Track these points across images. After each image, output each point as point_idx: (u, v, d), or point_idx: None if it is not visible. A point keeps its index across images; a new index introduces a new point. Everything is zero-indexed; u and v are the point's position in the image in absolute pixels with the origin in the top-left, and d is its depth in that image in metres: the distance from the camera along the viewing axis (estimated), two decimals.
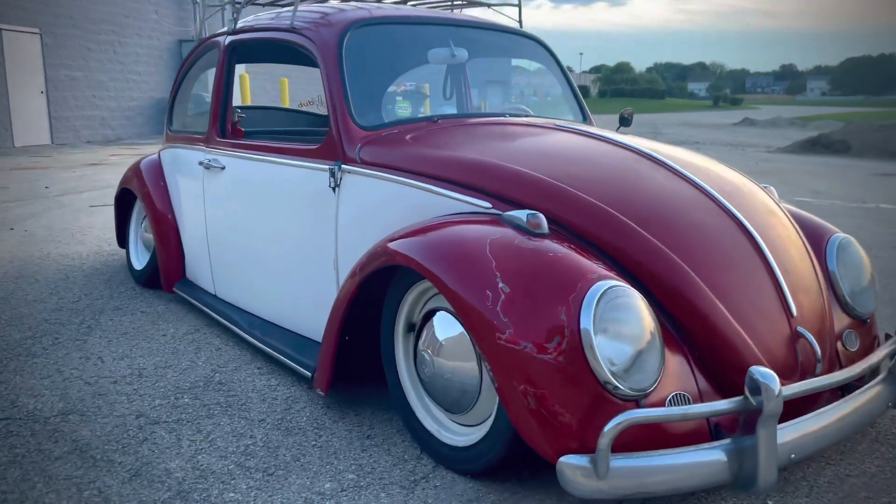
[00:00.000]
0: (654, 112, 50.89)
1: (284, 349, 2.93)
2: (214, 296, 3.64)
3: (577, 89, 3.52)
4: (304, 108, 8.13)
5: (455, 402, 2.18)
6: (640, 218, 2.14)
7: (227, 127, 3.48)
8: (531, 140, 2.73)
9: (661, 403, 1.87)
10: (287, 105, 21.24)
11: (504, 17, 3.70)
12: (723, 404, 1.81)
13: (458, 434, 2.21)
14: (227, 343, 3.33)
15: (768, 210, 2.41)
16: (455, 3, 3.70)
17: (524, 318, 1.86)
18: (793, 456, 1.89)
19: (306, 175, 2.84)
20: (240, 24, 3.44)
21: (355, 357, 2.51)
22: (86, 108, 16.89)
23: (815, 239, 2.51)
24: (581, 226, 2.14)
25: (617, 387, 1.80)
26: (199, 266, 3.75)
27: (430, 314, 2.26)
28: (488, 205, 2.27)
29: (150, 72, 19.07)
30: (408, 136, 2.70)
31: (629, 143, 2.60)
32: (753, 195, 2.45)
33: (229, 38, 3.45)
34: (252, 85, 17.69)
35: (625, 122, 3.56)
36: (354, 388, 2.75)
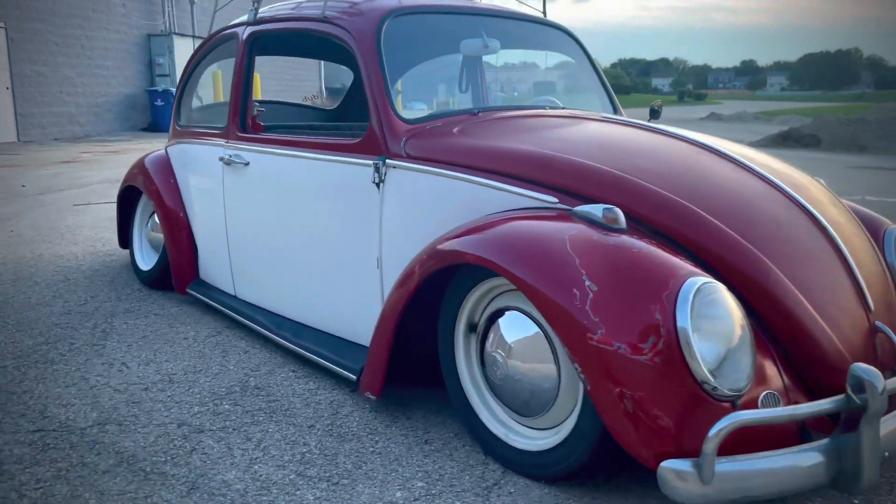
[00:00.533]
0: (622, 107, 51.22)
1: (322, 351, 2.82)
2: (234, 296, 3.50)
3: (607, 81, 3.45)
4: (307, 103, 7.95)
5: (528, 406, 2.10)
6: (716, 211, 2.09)
7: (248, 121, 3.34)
8: (584, 132, 2.66)
9: (753, 403, 1.82)
10: (221, 98, 20.94)
11: (527, 7, 3.63)
12: (825, 403, 1.76)
13: (529, 438, 2.13)
14: (254, 345, 3.21)
15: (832, 202, 2.37)
16: None
17: (616, 318, 1.78)
18: (886, 454, 1.85)
19: (346, 170, 2.73)
20: (260, 14, 3.30)
21: (402, 358, 2.42)
22: (53, 104, 16.41)
23: (872, 231, 2.48)
24: (657, 220, 2.07)
25: (715, 387, 1.74)
26: (216, 266, 3.61)
27: (495, 314, 2.18)
28: (555, 199, 2.20)
29: (118, 66, 18.61)
30: (454, 130, 2.61)
31: (684, 134, 2.55)
32: (815, 187, 2.41)
33: (250, 30, 3.32)
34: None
35: (655, 114, 3.51)
36: (399, 389, 2.66)
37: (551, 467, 2.03)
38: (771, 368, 1.91)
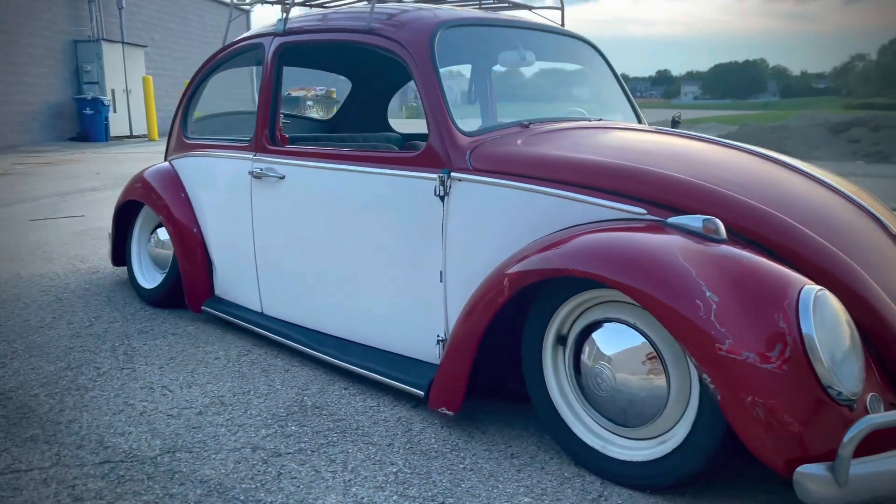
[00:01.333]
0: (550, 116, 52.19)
1: (378, 367, 2.78)
2: (261, 313, 3.40)
3: (630, 93, 3.53)
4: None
5: (628, 416, 2.12)
6: (801, 220, 2.16)
7: (277, 134, 3.26)
8: (647, 143, 2.70)
9: (863, 406, 1.89)
10: (152, 106, 20.29)
11: (543, 19, 3.67)
12: None
13: (630, 449, 2.14)
14: (292, 363, 3.12)
15: (885, 207, 2.49)
16: (499, 4, 3.62)
17: (741, 328, 1.83)
18: None
19: (405, 183, 2.69)
20: (290, 25, 3.23)
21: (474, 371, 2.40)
22: None
23: None
24: (749, 229, 2.13)
25: (840, 392, 1.80)
26: (239, 282, 3.50)
27: (589, 326, 2.19)
28: (643, 210, 2.23)
29: (43, 74, 17.80)
30: (518, 142, 2.62)
31: (741, 145, 2.63)
32: (867, 194, 2.53)
33: (279, 40, 3.23)
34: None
35: (675, 125, 3.61)
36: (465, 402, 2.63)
37: (662, 477, 2.06)
38: (870, 372, 1.99)
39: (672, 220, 2.13)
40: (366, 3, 3.35)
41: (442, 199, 2.59)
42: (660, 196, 2.23)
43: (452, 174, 2.57)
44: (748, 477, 2.15)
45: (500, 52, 3.19)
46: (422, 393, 2.58)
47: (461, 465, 2.27)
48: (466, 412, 2.60)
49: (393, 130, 4.58)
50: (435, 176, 2.59)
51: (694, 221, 2.08)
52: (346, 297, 2.97)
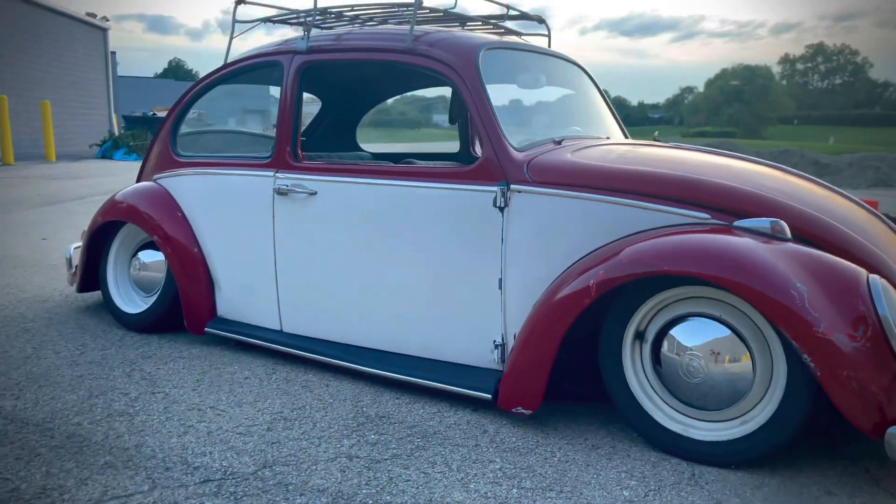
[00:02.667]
0: (414, 141, 53.16)
1: (433, 376, 2.86)
2: (280, 331, 3.37)
3: (616, 113, 3.83)
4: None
5: (718, 402, 2.34)
6: (843, 223, 2.50)
7: (298, 151, 3.28)
8: (687, 158, 2.95)
9: None
10: (50, 128, 19.03)
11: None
12: None
13: (713, 430, 2.37)
14: (327, 379, 3.12)
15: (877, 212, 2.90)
16: (495, 30, 3.81)
17: (830, 312, 2.11)
18: None
19: (460, 197, 2.81)
20: (311, 44, 3.27)
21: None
22: None
23: None
24: (802, 230, 2.42)
25: None
26: (253, 301, 3.44)
27: (669, 322, 2.42)
28: (707, 216, 2.49)
29: None
30: (569, 156, 2.81)
31: (755, 158, 2.97)
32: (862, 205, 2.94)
33: (301, 58, 3.26)
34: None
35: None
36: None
37: (744, 453, 2.30)
38: None
39: (739, 223, 2.40)
40: (382, 25, 3.44)
41: (501, 209, 2.73)
42: (720, 203, 2.50)
43: (512, 186, 2.72)
44: (813, 444, 2.43)
45: (518, 74, 3.37)
46: (489, 396, 2.70)
47: (555, 458, 2.40)
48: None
49: (362, 150, 4.65)
50: (494, 188, 2.74)
51: (762, 224, 2.36)
52: (388, 310, 3.02)
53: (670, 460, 2.39)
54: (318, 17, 3.38)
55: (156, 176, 3.87)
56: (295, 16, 3.54)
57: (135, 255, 3.94)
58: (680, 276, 2.28)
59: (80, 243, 4.39)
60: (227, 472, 2.27)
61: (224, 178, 3.49)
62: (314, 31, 3.40)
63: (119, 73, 34.29)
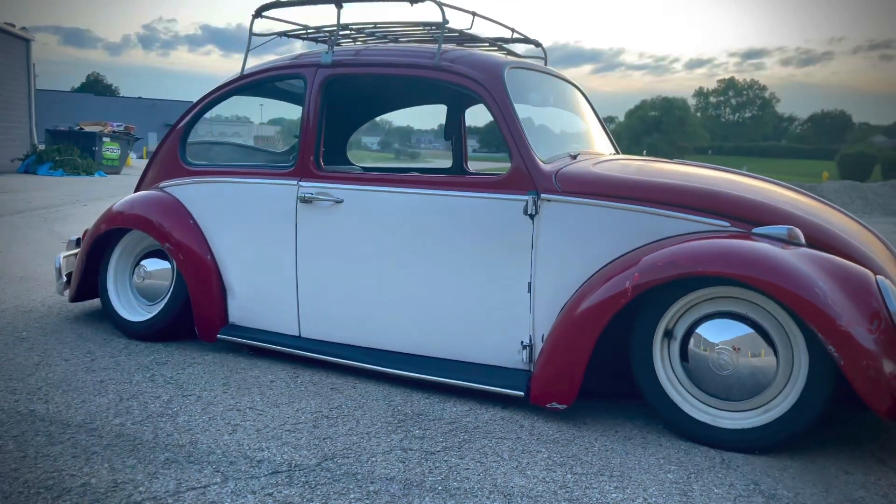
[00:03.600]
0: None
1: (463, 376, 3.00)
2: (299, 336, 3.44)
3: (610, 133, 4.08)
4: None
5: (742, 393, 2.56)
6: (841, 231, 2.79)
7: (321, 160, 3.38)
8: (698, 172, 3.20)
9: None
10: None
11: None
12: None
13: (738, 419, 2.59)
14: (352, 381, 3.20)
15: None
16: (499, 51, 3.99)
17: (849, 308, 2.36)
18: None
19: (492, 205, 2.98)
20: (335, 58, 3.39)
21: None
22: None
23: None
24: (814, 237, 2.68)
25: None
26: (270, 307, 3.49)
27: (697, 321, 2.64)
28: (727, 224, 2.73)
29: None
30: (594, 169, 3.02)
31: (752, 174, 3.26)
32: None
33: (326, 72, 3.37)
34: None
35: None
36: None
37: (769, 439, 2.52)
38: None
39: (758, 230, 2.65)
40: (395, 43, 3.59)
41: (532, 217, 2.91)
42: (738, 212, 2.75)
43: (542, 195, 2.90)
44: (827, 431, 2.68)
45: (531, 92, 3.57)
46: (521, 393, 2.85)
47: (595, 448, 2.57)
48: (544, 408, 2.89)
49: (352, 163, 4.76)
50: (525, 197, 2.91)
51: (780, 231, 2.61)
52: (416, 314, 3.14)
53: (699, 448, 2.60)
54: (341, 34, 3.50)
55: (163, 184, 3.88)
56: (308, 31, 3.65)
57: (137, 263, 3.93)
58: (712, 276, 2.51)
59: (67, 252, 4.33)
60: (292, 465, 2.35)
61: (242, 187, 3.55)
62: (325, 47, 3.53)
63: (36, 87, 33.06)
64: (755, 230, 2.67)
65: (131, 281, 3.96)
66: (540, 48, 4.10)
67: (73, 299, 4.11)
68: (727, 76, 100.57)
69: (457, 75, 3.14)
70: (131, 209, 3.83)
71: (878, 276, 2.48)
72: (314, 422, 2.73)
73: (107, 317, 4.00)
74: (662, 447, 2.60)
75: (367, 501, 2.13)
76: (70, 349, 3.58)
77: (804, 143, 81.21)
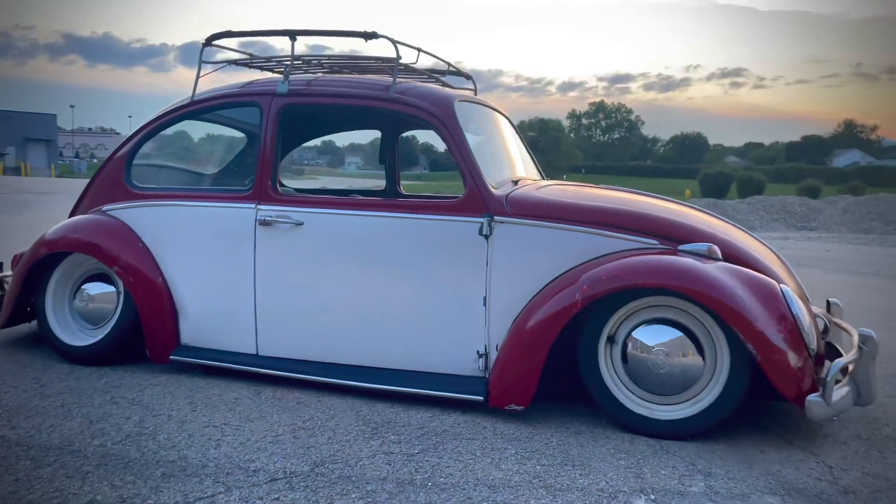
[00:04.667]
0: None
1: (422, 385, 3.24)
2: (257, 355, 3.56)
3: (535, 157, 4.46)
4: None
5: (674, 388, 2.96)
6: (746, 246, 3.27)
7: (278, 185, 3.55)
8: (626, 196, 3.60)
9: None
10: None
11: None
12: (855, 354, 3.01)
13: (672, 411, 2.98)
14: (314, 396, 3.35)
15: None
16: (436, 83, 4.26)
17: (762, 313, 2.81)
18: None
19: (448, 226, 3.25)
20: (290, 87, 3.57)
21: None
22: None
23: None
24: (727, 252, 3.13)
25: (812, 349, 2.87)
26: (227, 327, 3.59)
27: (633, 327, 3.02)
28: (656, 242, 3.14)
29: None
30: (538, 193, 3.36)
31: (668, 198, 3.72)
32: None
33: (282, 101, 3.54)
34: None
35: None
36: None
37: (698, 426, 2.92)
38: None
39: (683, 247, 3.07)
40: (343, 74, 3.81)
41: (486, 237, 3.21)
42: (665, 232, 3.16)
43: (495, 218, 3.21)
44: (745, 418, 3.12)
45: (472, 122, 3.86)
46: (481, 398, 3.13)
47: (553, 442, 2.89)
48: (502, 410, 3.19)
49: (283, 185, 4.90)
50: (480, 219, 3.21)
51: (701, 248, 3.04)
52: (377, 329, 3.36)
53: (641, 438, 2.97)
54: (296, 64, 3.68)
55: (106, 208, 3.89)
56: (260, 61, 3.81)
57: (78, 288, 3.91)
58: (650, 288, 2.89)
59: None
60: (287, 472, 2.51)
61: (196, 210, 3.64)
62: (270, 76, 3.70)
63: None
64: (681, 247, 3.09)
65: (71, 305, 3.93)
66: (470, 80, 4.43)
67: (7, 325, 4.02)
68: (597, 99, 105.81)
69: (411, 107, 3.40)
70: (74, 233, 3.82)
71: (781, 285, 2.95)
72: (292, 433, 2.89)
73: (43, 342, 3.95)
74: (610, 439, 2.95)
75: (369, 500, 2.33)
76: (13, 376, 3.53)
77: (667, 162, 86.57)
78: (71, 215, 4.08)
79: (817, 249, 12.23)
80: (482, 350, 3.24)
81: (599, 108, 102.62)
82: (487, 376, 3.21)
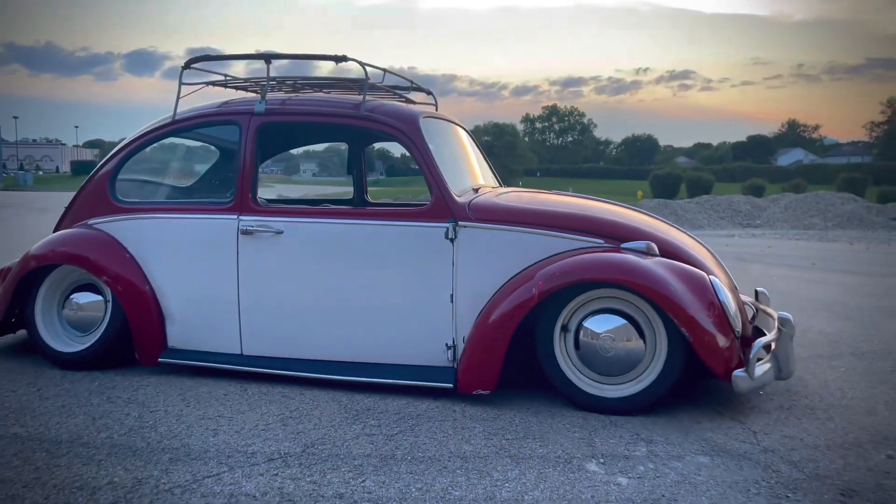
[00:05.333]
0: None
1: (397, 375, 3.58)
2: (241, 355, 3.86)
3: (492, 165, 4.84)
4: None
5: (620, 370, 3.35)
6: (679, 242, 3.69)
7: (258, 197, 3.86)
8: (575, 201, 4.00)
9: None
10: None
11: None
12: (772, 335, 3.44)
13: (618, 390, 3.37)
14: (297, 390, 3.66)
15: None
16: (399, 99, 4.60)
17: (694, 300, 3.22)
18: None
19: (417, 231, 3.60)
20: (267, 107, 3.88)
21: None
22: None
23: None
24: (663, 249, 3.54)
25: (737, 331, 3.30)
26: (212, 330, 3.88)
27: (584, 317, 3.41)
28: (602, 241, 3.54)
29: None
30: (497, 200, 3.73)
31: (611, 201, 4.13)
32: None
33: (260, 119, 3.85)
34: None
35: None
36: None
37: (641, 402, 3.32)
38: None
39: (625, 245, 3.48)
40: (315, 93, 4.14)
41: (452, 241, 3.57)
42: (609, 232, 3.56)
43: (459, 223, 3.57)
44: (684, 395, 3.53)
45: (435, 137, 4.22)
46: (451, 385, 3.48)
47: (516, 421, 3.25)
48: (470, 395, 3.55)
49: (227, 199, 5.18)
50: (445, 225, 3.57)
51: (641, 245, 3.45)
52: (353, 327, 3.69)
53: (592, 415, 3.35)
54: (272, 84, 3.99)
55: (91, 222, 4.14)
56: (238, 81, 4.11)
57: (66, 297, 4.15)
58: (597, 282, 3.28)
59: None
60: (282, 453, 2.83)
61: (179, 221, 3.92)
62: (250, 95, 4.01)
63: None
64: (623, 245, 3.48)
65: (59, 314, 4.16)
66: (431, 95, 4.78)
67: (3, 332, 4.24)
68: (550, 103, 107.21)
69: (381, 124, 3.75)
70: (62, 246, 4.07)
71: (710, 276, 3.37)
72: (282, 422, 3.20)
73: (31, 350, 4.17)
74: (566, 416, 3.32)
75: (358, 472, 2.66)
76: (10, 381, 3.77)
77: (619, 164, 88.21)
78: (55, 230, 4.32)
79: (760, 245, 12.90)
80: (450, 342, 3.59)
81: (552, 111, 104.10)
82: (455, 366, 3.56)
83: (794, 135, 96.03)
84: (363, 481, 2.59)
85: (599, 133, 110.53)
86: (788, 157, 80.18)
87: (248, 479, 2.59)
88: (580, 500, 2.48)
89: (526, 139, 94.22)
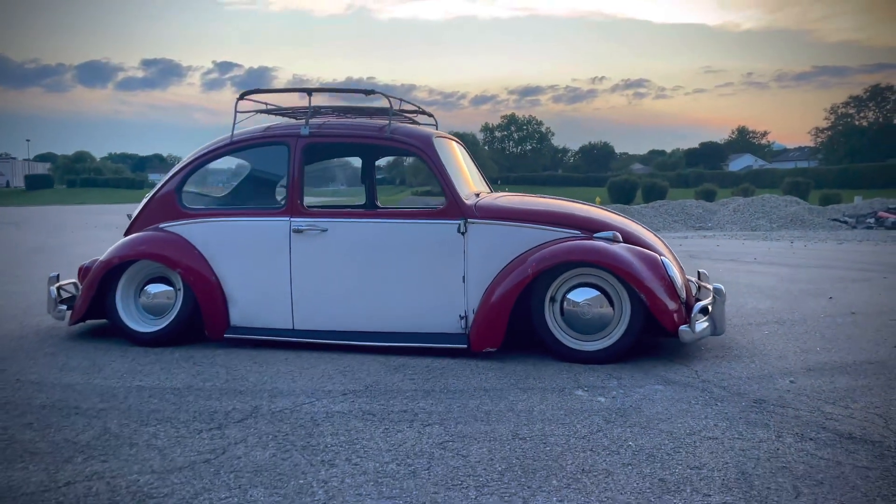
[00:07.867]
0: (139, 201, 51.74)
1: (427, 341, 4.58)
2: (293, 329, 4.82)
3: (483, 173, 5.87)
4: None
5: (595, 329, 4.41)
6: (635, 231, 4.78)
7: (304, 202, 4.83)
8: (557, 201, 5.06)
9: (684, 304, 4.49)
10: None
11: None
12: (709, 300, 4.54)
13: (593, 345, 4.42)
14: (340, 355, 4.64)
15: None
16: (407, 121, 5.62)
17: (650, 274, 4.30)
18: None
19: (436, 227, 4.62)
20: (311, 130, 4.86)
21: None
22: None
23: None
24: (625, 236, 4.62)
25: (683, 298, 4.39)
26: (268, 311, 4.83)
27: (568, 290, 4.46)
28: (578, 232, 4.60)
29: None
30: (496, 202, 4.77)
31: (582, 201, 5.20)
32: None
33: (305, 140, 4.83)
34: None
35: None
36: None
37: (612, 354, 4.38)
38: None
39: (597, 235, 4.55)
40: (364, 118, 5.14)
41: (462, 234, 4.59)
42: (584, 225, 4.63)
43: (468, 221, 4.60)
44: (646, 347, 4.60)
45: (441, 152, 5.23)
46: (465, 346, 4.50)
47: (519, 368, 4.28)
48: (481, 353, 4.56)
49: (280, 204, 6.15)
50: (457, 222, 4.59)
51: (608, 235, 4.52)
52: (385, 303, 4.68)
53: (575, 365, 4.39)
54: (311, 113, 4.98)
55: (162, 225, 5.07)
56: (286, 111, 5.09)
57: (142, 288, 5.06)
58: (577, 262, 4.34)
59: (59, 283, 5.32)
60: (350, 391, 3.81)
61: (241, 223, 4.88)
62: (288, 121, 5.00)
63: None
64: (595, 235, 4.55)
65: (136, 301, 5.07)
66: (432, 117, 5.81)
67: (75, 322, 5.12)
68: (509, 112, 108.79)
69: (403, 143, 4.77)
70: (141, 245, 4.99)
71: (662, 257, 4.46)
72: (341, 373, 4.18)
73: (114, 331, 5.07)
74: (555, 365, 4.36)
75: (411, 398, 3.66)
76: (106, 354, 4.67)
77: (577, 171, 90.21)
78: (126, 234, 5.22)
79: (710, 245, 14.19)
80: (463, 314, 4.60)
81: (511, 120, 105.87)
82: (468, 332, 4.58)
83: (744, 141, 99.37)
84: (418, 402, 3.60)
85: (557, 141, 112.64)
86: (738, 163, 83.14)
87: (333, 404, 3.57)
88: (573, 409, 3.52)
89: (486, 148, 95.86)
